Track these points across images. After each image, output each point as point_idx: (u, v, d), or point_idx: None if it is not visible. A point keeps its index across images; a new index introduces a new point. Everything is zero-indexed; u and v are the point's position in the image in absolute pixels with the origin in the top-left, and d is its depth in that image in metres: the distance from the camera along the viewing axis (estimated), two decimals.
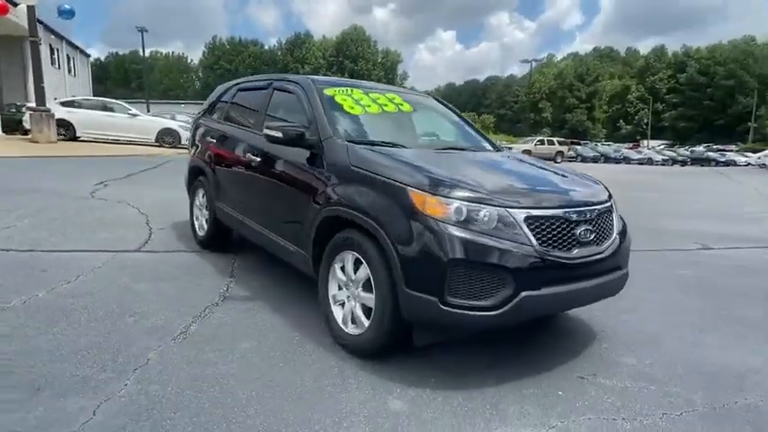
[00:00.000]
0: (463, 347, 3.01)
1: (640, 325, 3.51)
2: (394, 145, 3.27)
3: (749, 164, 38.04)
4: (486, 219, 2.44)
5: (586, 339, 3.23)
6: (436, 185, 2.52)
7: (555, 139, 38.62)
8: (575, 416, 2.32)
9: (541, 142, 36.13)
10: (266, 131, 3.28)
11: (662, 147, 53.54)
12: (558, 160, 31.42)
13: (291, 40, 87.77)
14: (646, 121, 71.32)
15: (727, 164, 38.83)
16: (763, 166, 34.40)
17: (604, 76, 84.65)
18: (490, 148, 4.08)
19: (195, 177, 4.96)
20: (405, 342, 2.80)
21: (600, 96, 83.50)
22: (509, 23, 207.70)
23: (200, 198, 4.84)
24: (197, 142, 5.01)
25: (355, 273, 2.77)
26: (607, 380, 2.68)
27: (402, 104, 3.97)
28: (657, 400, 2.50)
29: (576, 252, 2.61)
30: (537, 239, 2.50)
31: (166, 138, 18.04)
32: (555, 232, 2.58)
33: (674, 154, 43.15)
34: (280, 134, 3.19)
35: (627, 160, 39.45)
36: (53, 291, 3.43)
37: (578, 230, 2.65)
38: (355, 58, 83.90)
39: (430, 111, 4.45)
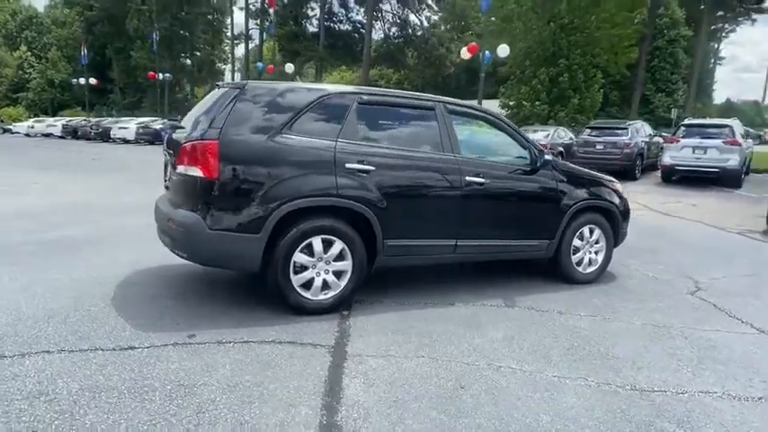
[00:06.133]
0: None
1: None
2: None
3: None
4: None
5: None
6: (612, 179, 5.13)
7: None
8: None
9: None
10: (548, 157, 4.49)
11: None
12: None
13: None
14: None
15: None
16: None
17: None
18: None
19: (293, 224, 3.52)
20: None
21: None
22: None
23: (323, 250, 3.62)
24: (288, 169, 3.53)
25: (591, 236, 4.81)
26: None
27: None
28: None
29: None
30: None
31: None
32: None
33: None
34: (550, 158, 4.51)
35: None
36: None
37: None
38: None
39: None
